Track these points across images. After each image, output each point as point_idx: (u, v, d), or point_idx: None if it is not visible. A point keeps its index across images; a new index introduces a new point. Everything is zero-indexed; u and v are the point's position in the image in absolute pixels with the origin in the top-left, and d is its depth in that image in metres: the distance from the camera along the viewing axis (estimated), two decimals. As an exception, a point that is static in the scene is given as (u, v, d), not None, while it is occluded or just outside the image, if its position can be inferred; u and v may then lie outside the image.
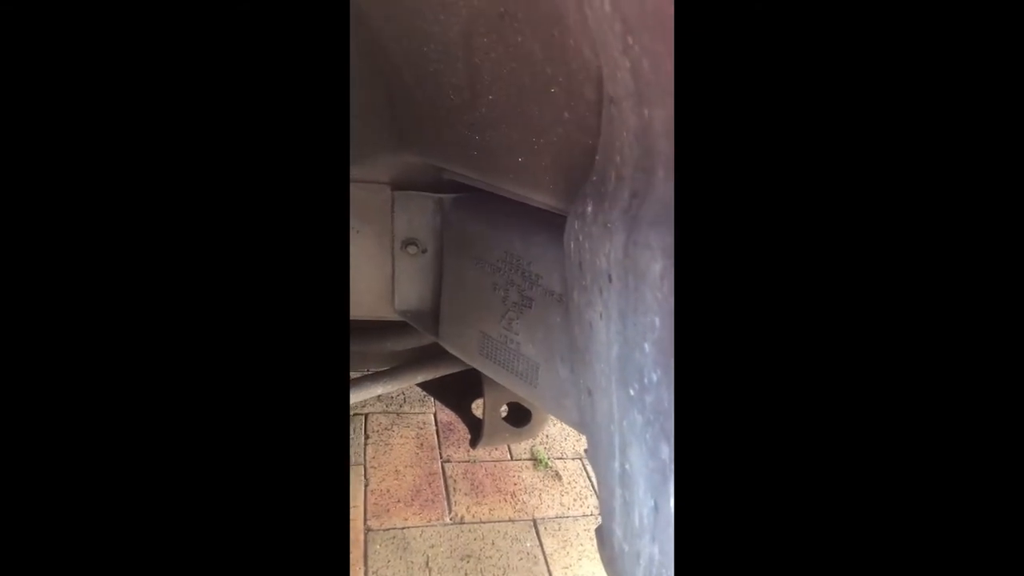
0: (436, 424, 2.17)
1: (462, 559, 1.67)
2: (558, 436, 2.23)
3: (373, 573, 1.57)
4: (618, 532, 0.56)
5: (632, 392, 0.49)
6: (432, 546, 1.69)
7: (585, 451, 2.10)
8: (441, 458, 2.02)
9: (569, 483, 2.02)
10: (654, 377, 0.46)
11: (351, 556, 1.62)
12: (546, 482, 2.00)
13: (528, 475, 2.02)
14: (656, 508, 0.48)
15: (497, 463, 2.04)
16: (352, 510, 1.75)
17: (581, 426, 0.72)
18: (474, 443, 1.39)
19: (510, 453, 2.10)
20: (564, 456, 2.14)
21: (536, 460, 2.08)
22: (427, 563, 1.64)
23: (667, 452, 0.45)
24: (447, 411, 1.98)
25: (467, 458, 2.03)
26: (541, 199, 0.68)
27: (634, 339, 0.48)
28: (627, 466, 0.52)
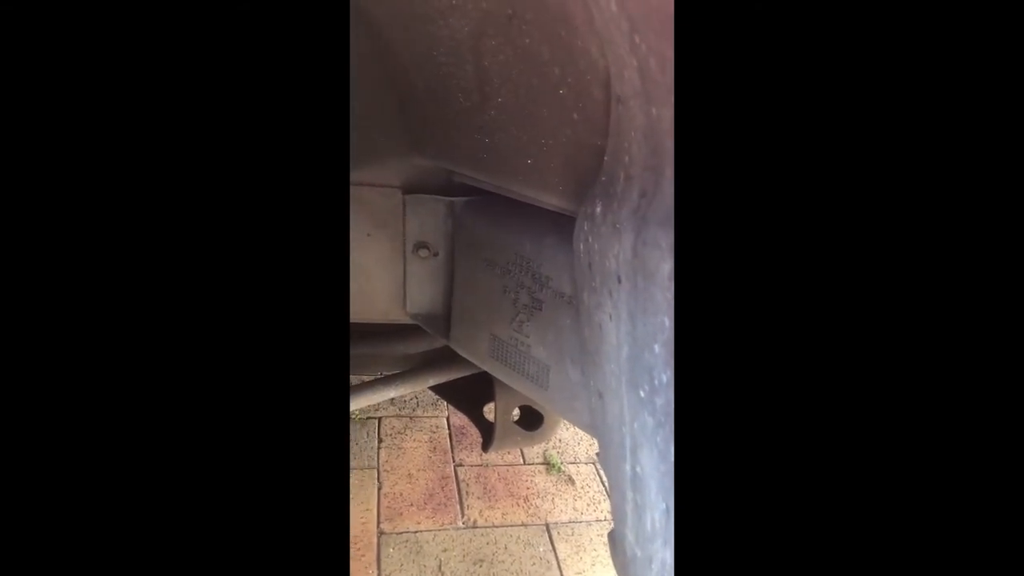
0: (449, 428, 2.17)
1: (475, 563, 1.67)
2: (571, 440, 2.22)
3: (386, 577, 1.58)
4: (630, 537, 0.55)
5: (642, 394, 0.49)
6: (445, 550, 1.69)
7: (598, 455, 2.09)
8: (454, 462, 2.02)
9: (582, 487, 2.01)
10: (664, 378, 0.45)
11: (364, 559, 1.62)
12: (559, 486, 1.99)
13: (541, 479, 2.01)
14: (668, 511, 0.47)
15: (510, 467, 2.04)
16: (365, 513, 1.76)
17: (592, 429, 0.72)
18: (486, 447, 1.39)
19: (523, 457, 2.10)
20: (577, 460, 2.13)
21: (549, 464, 2.07)
22: (440, 567, 1.64)
23: (678, 454, 0.45)
24: (460, 415, 1.98)
25: (480, 462, 2.03)
26: (551, 201, 0.68)
27: (644, 340, 0.47)
28: (638, 469, 0.52)
